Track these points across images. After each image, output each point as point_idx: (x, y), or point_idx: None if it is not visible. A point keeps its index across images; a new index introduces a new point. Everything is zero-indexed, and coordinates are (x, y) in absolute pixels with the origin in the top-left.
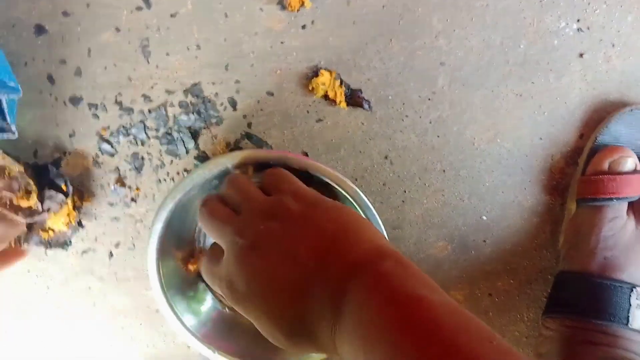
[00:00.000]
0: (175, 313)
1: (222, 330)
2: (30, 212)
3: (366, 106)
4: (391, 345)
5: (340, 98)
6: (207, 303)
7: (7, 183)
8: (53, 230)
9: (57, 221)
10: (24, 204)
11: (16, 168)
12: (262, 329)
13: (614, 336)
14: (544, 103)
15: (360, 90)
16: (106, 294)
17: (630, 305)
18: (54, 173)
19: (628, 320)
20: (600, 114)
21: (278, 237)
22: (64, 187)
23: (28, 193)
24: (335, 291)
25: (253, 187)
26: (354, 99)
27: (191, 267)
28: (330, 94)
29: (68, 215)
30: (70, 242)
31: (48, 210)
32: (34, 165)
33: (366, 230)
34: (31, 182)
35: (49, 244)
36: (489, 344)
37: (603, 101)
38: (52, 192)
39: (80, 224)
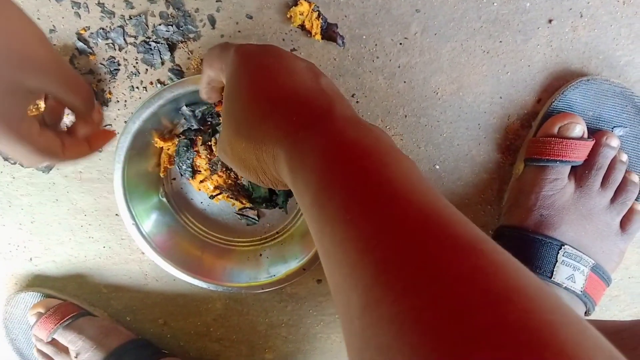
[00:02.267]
0: (133, 219)
1: (173, 239)
2: (36, 114)
3: (340, 42)
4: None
5: (316, 30)
6: (164, 211)
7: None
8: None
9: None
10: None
11: None
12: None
13: None
14: (509, 63)
15: (336, 25)
16: (69, 191)
17: (557, 260)
18: None
19: (552, 274)
20: (560, 82)
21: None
22: None
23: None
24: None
25: None
26: (329, 32)
27: (162, 142)
28: (307, 25)
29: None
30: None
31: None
32: None
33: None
34: None
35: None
36: (418, 175)
37: (564, 69)
38: None
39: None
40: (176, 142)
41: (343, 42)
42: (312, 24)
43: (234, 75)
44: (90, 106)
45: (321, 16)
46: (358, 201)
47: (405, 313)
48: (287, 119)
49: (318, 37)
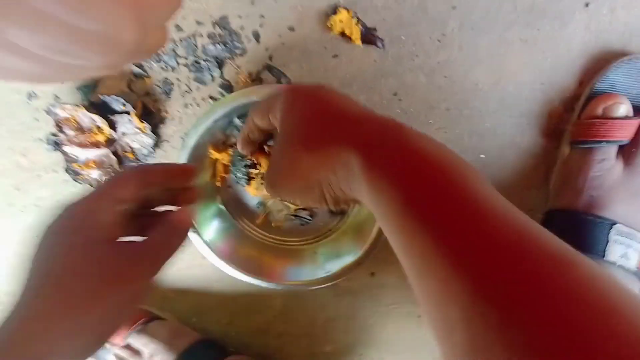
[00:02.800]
0: (194, 227)
1: (233, 243)
2: (109, 141)
3: (379, 44)
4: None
5: (356, 36)
6: (224, 218)
7: (77, 127)
8: (131, 147)
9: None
10: (101, 137)
11: (78, 111)
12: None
13: None
14: (548, 50)
15: (374, 29)
16: None
17: (609, 240)
18: (109, 100)
19: (605, 254)
20: (601, 63)
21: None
22: (123, 107)
23: (98, 128)
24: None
25: None
26: (369, 37)
27: (217, 154)
28: (347, 32)
29: (140, 128)
30: (154, 150)
31: (123, 133)
32: (91, 104)
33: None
34: (96, 117)
35: (138, 160)
36: (492, 187)
37: (604, 51)
38: (117, 116)
39: (154, 131)
40: (230, 153)
41: (383, 45)
42: (352, 30)
43: (293, 105)
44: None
45: (360, 22)
46: (449, 214)
47: (516, 327)
48: (360, 131)
49: (358, 42)
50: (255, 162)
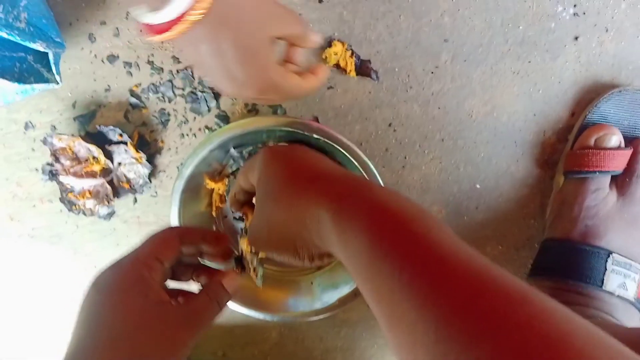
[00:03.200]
0: None
1: None
2: (105, 171)
3: (374, 76)
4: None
5: (351, 67)
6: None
7: (73, 157)
8: (127, 177)
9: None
10: (97, 167)
11: (74, 141)
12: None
13: (589, 297)
14: (539, 81)
15: (369, 61)
16: (129, 235)
17: (606, 269)
18: (105, 130)
19: (603, 283)
20: (592, 94)
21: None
22: (119, 137)
23: (94, 158)
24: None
25: None
26: (363, 68)
27: (212, 184)
28: (342, 64)
29: (137, 158)
30: (150, 180)
31: (120, 163)
32: (88, 134)
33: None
34: (92, 147)
35: (134, 190)
36: (458, 238)
37: (595, 82)
38: (114, 146)
39: (150, 161)
40: (226, 182)
41: (377, 76)
42: (347, 62)
43: (268, 166)
44: (306, 27)
45: (354, 54)
46: (412, 263)
47: None
48: (330, 188)
49: (353, 74)
50: (244, 216)
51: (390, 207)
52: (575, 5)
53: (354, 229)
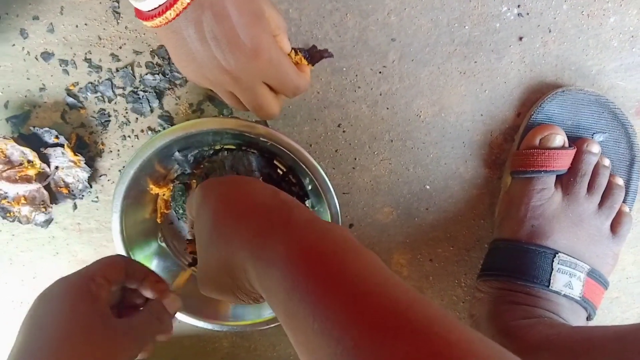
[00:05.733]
0: None
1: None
2: (41, 175)
3: (327, 55)
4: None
5: (303, 62)
6: (164, 256)
7: (6, 161)
8: (65, 182)
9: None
10: (32, 171)
11: (6, 144)
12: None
13: (536, 297)
14: (486, 82)
15: (314, 46)
16: (69, 243)
17: (552, 269)
18: (40, 132)
19: (549, 283)
20: (537, 95)
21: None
22: (56, 139)
23: (29, 162)
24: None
25: None
26: (313, 54)
27: (157, 189)
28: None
29: (75, 162)
30: (90, 185)
31: (57, 167)
32: (21, 136)
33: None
34: (26, 150)
35: (73, 196)
36: (378, 266)
37: (539, 82)
38: (50, 150)
39: (90, 164)
40: (171, 188)
41: (330, 53)
42: (296, 59)
43: (201, 205)
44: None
45: (299, 50)
46: (324, 306)
47: None
48: (250, 232)
49: (309, 66)
50: (194, 255)
51: (306, 245)
52: (519, 6)
53: (271, 278)
